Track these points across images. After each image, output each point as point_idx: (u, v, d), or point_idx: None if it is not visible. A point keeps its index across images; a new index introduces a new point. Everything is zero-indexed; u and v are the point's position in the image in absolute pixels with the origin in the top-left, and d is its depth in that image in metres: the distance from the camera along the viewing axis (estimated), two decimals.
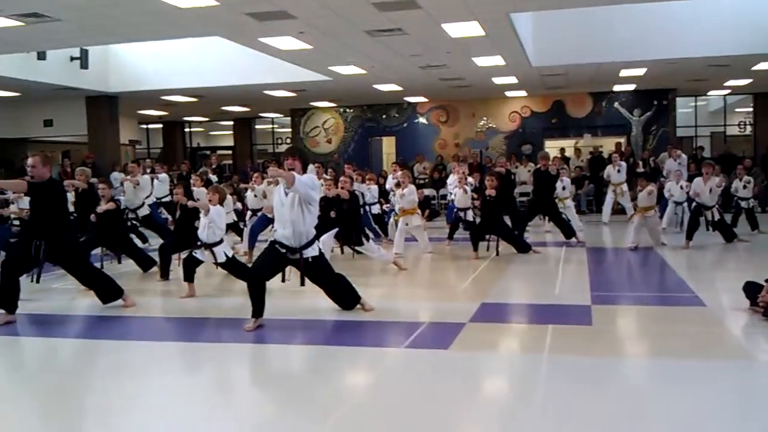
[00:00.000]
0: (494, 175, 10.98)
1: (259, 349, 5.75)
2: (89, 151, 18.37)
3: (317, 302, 6.90)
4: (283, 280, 6.45)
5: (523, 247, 10.53)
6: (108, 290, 7.23)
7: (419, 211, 10.95)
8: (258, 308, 6.14)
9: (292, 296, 7.30)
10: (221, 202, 8.01)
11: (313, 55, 13.17)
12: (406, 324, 6.35)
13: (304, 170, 6.36)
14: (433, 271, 9.95)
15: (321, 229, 6.67)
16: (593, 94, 20.38)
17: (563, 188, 12.97)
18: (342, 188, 9.69)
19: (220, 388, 4.91)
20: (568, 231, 11.69)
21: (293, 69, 15.04)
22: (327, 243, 9.02)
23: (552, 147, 19.63)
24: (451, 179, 14.00)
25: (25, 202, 9.49)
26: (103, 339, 6.20)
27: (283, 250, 6.23)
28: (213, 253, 7.74)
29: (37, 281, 7.14)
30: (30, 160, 6.90)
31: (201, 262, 7.86)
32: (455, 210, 11.81)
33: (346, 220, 9.41)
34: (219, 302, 7.70)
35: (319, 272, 6.43)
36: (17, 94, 17.08)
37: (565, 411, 4.08)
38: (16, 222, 11.28)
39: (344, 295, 6.68)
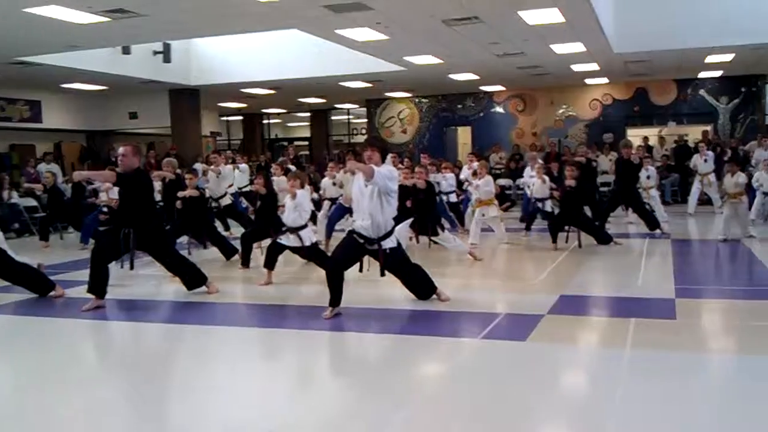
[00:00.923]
0: (574, 165, 10.74)
1: (336, 337, 5.82)
2: (173, 142, 18.94)
3: (393, 292, 6.93)
4: (361, 270, 6.50)
5: (604, 239, 10.29)
6: (193, 277, 7.43)
7: (496, 201, 10.83)
8: (336, 297, 6.22)
9: (369, 285, 7.35)
10: (302, 186, 8.15)
11: (389, 45, 13.19)
12: (483, 315, 6.31)
13: (383, 161, 6.38)
14: (509, 262, 9.85)
15: (397, 218, 6.66)
16: (678, 81, 19.69)
17: (648, 177, 12.59)
18: (418, 178, 9.69)
19: (298, 374, 5.00)
20: (652, 222, 11.35)
21: (369, 60, 15.11)
22: (402, 233, 9.03)
23: (634, 135, 19.06)
24: (528, 172, 13.80)
25: (115, 191, 9.89)
26: (188, 324, 6.40)
27: (362, 241, 6.28)
28: (300, 237, 7.86)
29: (131, 268, 7.40)
30: (121, 150, 7.14)
31: (284, 249, 7.98)
32: (533, 200, 11.64)
33: (422, 209, 9.40)
34: (297, 290, 7.85)
35: (396, 263, 6.46)
36: (104, 87, 17.76)
37: (646, 407, 3.97)
38: (104, 210, 11.73)
39: (421, 285, 6.69)
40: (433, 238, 9.52)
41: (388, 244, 6.30)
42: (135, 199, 7.04)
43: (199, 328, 6.22)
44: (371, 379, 4.74)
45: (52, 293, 7.57)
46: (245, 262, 9.10)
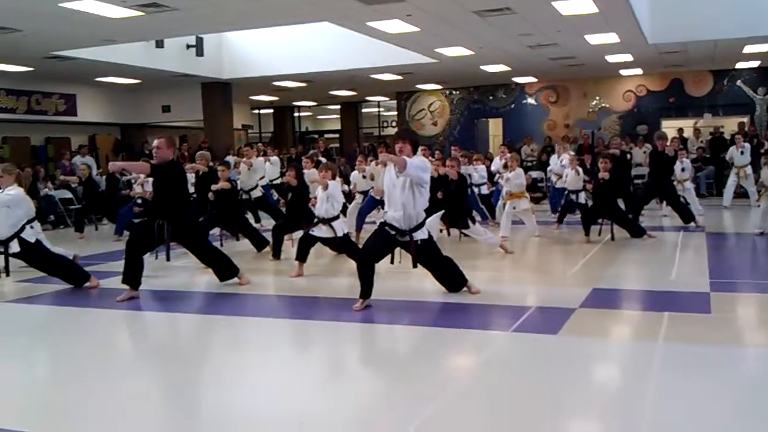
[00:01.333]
0: (608, 157, 10.61)
1: (366, 329, 5.83)
2: (205, 135, 19.12)
3: (424, 284, 6.92)
4: (392, 262, 6.50)
5: (638, 232, 10.17)
6: (225, 269, 7.48)
7: (527, 194, 10.74)
8: (366, 289, 6.22)
9: (400, 277, 7.36)
10: (333, 177, 8.17)
11: (420, 37, 13.14)
12: (514, 308, 6.27)
13: (415, 153, 6.36)
14: (541, 254, 9.77)
15: (428, 210, 6.65)
16: (714, 72, 19.32)
17: (682, 170, 12.39)
18: (450, 168, 9.64)
19: (328, 365, 5.02)
20: (686, 215, 11.19)
21: (400, 52, 15.07)
22: (434, 225, 9.01)
23: (669, 127, 18.76)
24: (554, 160, 13.59)
25: (149, 184, 10.02)
26: (219, 314, 6.45)
27: (393, 232, 6.27)
28: (332, 227, 7.87)
29: (167, 259, 7.44)
30: (155, 142, 7.19)
31: (316, 241, 8.01)
32: (566, 192, 11.54)
33: (453, 202, 9.36)
34: (328, 282, 7.87)
35: (428, 255, 6.44)
36: (138, 81, 17.97)
37: (680, 402, 3.92)
38: (139, 202, 11.88)
39: (451, 277, 6.67)
40: (463, 230, 9.49)
41: (420, 235, 6.29)
42: (169, 191, 7.10)
43: (230, 318, 6.27)
44: (401, 371, 4.74)
45: (87, 284, 7.70)
46: (276, 254, 9.15)
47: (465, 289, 6.68)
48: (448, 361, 4.96)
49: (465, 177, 10.36)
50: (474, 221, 9.38)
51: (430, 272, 6.65)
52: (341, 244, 8.02)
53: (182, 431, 3.84)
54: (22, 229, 7.42)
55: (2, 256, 7.49)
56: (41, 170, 15.38)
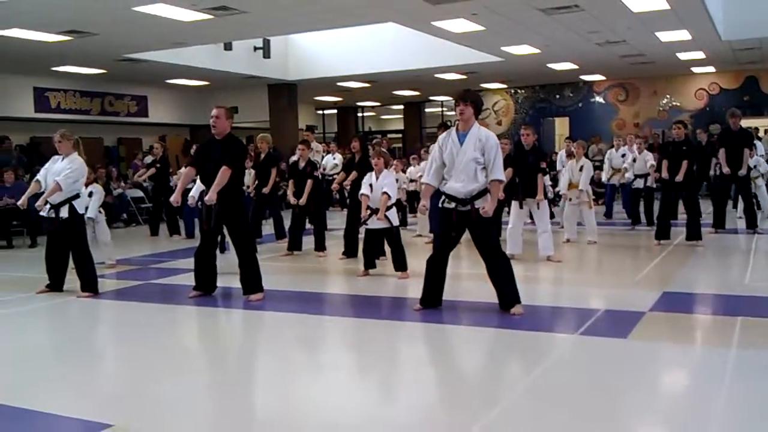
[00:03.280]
0: (681, 123, 10.01)
1: (431, 330, 5.78)
2: (271, 136, 19.38)
3: (491, 286, 6.84)
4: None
5: (696, 233, 9.46)
6: (251, 281, 6.89)
7: (589, 188, 10.23)
8: (427, 289, 6.10)
9: (466, 279, 7.30)
10: (386, 165, 8.05)
11: (486, 36, 13.04)
12: (581, 310, 6.15)
13: (477, 116, 6.11)
14: (610, 256, 9.54)
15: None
16: None
17: (754, 166, 11.85)
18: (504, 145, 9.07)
19: (391, 365, 5.02)
20: (751, 219, 10.66)
21: (464, 51, 15.00)
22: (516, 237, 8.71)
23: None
24: (613, 153, 12.78)
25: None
26: (284, 312, 6.46)
27: (452, 205, 5.91)
28: (387, 217, 7.77)
29: (221, 251, 7.37)
30: (214, 111, 6.93)
31: (377, 239, 7.93)
32: (633, 178, 11.28)
33: (528, 174, 8.70)
34: (393, 282, 7.80)
35: (483, 226, 5.94)
36: (206, 83, 18.39)
37: (752, 410, 3.78)
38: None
39: (505, 285, 6.08)
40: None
41: (481, 203, 5.89)
42: (222, 164, 6.66)
43: (295, 316, 6.30)
44: (465, 372, 4.71)
45: (86, 294, 7.30)
46: (352, 253, 9.07)
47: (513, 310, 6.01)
48: (512, 364, 4.90)
49: (543, 152, 9.55)
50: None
51: (477, 249, 6.12)
52: (392, 235, 7.83)
53: (251, 428, 3.90)
54: (76, 197, 7.27)
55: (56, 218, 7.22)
56: (113, 170, 15.86)
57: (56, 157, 7.36)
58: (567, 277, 8.03)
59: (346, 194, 10.27)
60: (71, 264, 7.41)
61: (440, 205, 6.03)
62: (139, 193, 15.66)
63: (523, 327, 5.63)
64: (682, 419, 3.77)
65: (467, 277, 7.29)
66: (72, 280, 7.40)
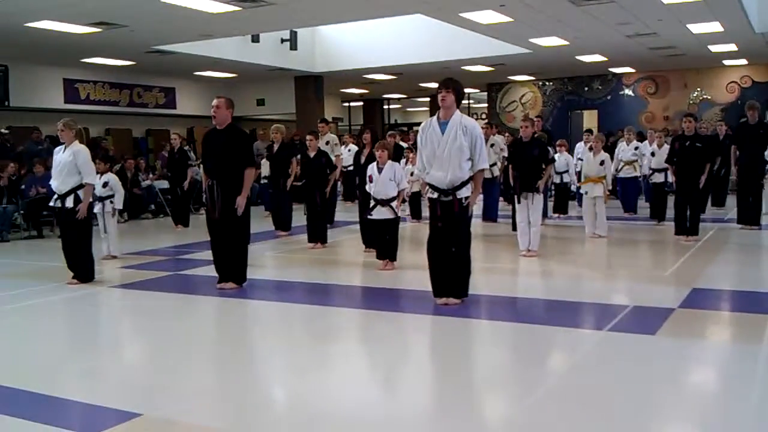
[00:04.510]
0: (690, 116, 9.76)
1: (456, 324, 5.75)
2: (297, 128, 19.43)
3: (516, 280, 6.81)
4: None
5: (695, 228, 9.33)
6: (237, 273, 6.99)
7: (604, 181, 10.01)
8: (435, 282, 6.07)
9: (492, 273, 7.26)
10: (390, 157, 8.02)
11: (514, 27, 12.93)
12: (609, 306, 6.10)
13: (459, 104, 5.98)
14: (639, 251, 9.44)
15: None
16: None
17: None
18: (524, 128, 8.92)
19: (417, 359, 5.00)
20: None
21: (492, 43, 14.90)
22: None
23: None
24: (623, 146, 12.50)
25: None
26: (305, 304, 6.50)
27: (435, 195, 5.91)
28: (392, 208, 7.76)
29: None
30: (214, 101, 6.90)
31: (385, 231, 7.87)
32: (650, 172, 11.13)
33: (531, 167, 8.54)
34: (415, 275, 7.77)
35: (459, 218, 5.91)
36: (234, 75, 18.46)
37: None
38: None
39: (456, 276, 6.05)
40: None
41: (464, 193, 5.88)
42: (225, 153, 6.73)
43: (316, 308, 6.31)
44: (491, 367, 4.68)
45: (74, 281, 7.43)
46: (371, 245, 9.07)
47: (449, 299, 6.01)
48: (540, 360, 4.85)
49: (549, 150, 9.51)
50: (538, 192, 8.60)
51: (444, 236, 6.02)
52: (392, 226, 7.78)
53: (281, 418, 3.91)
54: (80, 187, 7.30)
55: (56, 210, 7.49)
56: (142, 162, 15.99)
57: (58, 148, 7.50)
58: (595, 272, 7.93)
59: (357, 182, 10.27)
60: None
61: (423, 196, 6.01)
62: (167, 185, 15.74)
63: (551, 323, 5.58)
64: (713, 418, 3.71)
65: (497, 271, 7.23)
66: (101, 270, 7.48)
